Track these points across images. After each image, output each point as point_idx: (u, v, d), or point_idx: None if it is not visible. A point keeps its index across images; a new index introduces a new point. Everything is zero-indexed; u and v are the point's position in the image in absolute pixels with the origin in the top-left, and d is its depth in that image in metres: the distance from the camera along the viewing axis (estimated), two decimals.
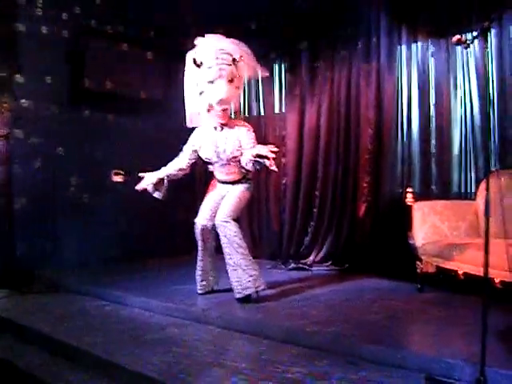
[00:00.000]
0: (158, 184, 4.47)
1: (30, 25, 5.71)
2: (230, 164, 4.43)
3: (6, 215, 5.52)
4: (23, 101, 5.70)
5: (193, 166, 4.64)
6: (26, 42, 5.68)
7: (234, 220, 4.29)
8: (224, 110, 4.33)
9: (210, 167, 4.63)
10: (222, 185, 4.59)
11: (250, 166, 4.14)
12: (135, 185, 4.49)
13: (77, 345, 3.55)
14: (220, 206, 4.41)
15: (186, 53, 4.37)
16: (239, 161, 4.33)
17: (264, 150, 3.92)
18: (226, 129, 4.38)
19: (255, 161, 3.99)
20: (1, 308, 4.68)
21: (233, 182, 4.52)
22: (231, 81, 4.25)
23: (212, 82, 4.22)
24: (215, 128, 4.41)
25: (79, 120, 6.12)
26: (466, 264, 3.91)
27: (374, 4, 5.46)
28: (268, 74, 4.88)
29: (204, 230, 4.48)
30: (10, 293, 5.14)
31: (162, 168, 4.53)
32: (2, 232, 5.51)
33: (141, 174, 4.47)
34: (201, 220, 4.49)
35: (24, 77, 5.69)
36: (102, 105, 6.29)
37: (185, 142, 4.56)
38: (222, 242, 4.32)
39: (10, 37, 5.59)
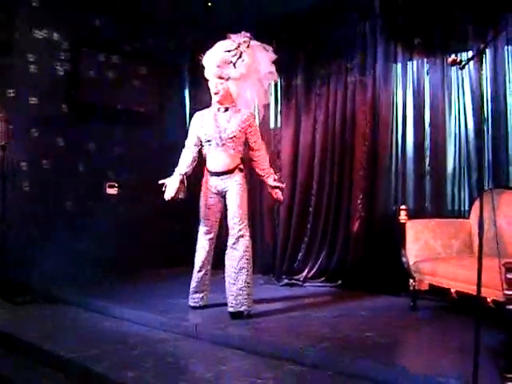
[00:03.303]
0: (180, 186, 4.41)
1: (26, 38, 5.69)
2: (227, 145, 4.39)
3: None
4: (17, 112, 5.67)
5: (200, 150, 4.57)
6: (20, 55, 5.67)
7: (247, 226, 4.36)
8: (216, 93, 4.41)
9: (206, 154, 4.53)
10: (217, 180, 4.45)
11: (265, 178, 4.55)
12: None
13: (68, 357, 3.52)
14: (228, 214, 4.40)
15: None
16: (238, 144, 4.42)
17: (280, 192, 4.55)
18: (230, 111, 4.46)
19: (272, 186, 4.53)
20: None
21: (228, 172, 4.42)
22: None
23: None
24: (218, 109, 4.48)
25: (74, 132, 6.09)
26: (459, 282, 3.91)
27: (370, 22, 5.50)
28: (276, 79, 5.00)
29: (210, 240, 4.53)
30: (2, 303, 5.10)
31: (176, 170, 4.48)
32: None
33: (160, 182, 4.40)
34: (205, 234, 4.52)
35: (18, 88, 5.66)
36: (96, 118, 6.27)
37: (179, 157, 4.55)
38: (230, 254, 4.33)
39: (4, 50, 5.59)
